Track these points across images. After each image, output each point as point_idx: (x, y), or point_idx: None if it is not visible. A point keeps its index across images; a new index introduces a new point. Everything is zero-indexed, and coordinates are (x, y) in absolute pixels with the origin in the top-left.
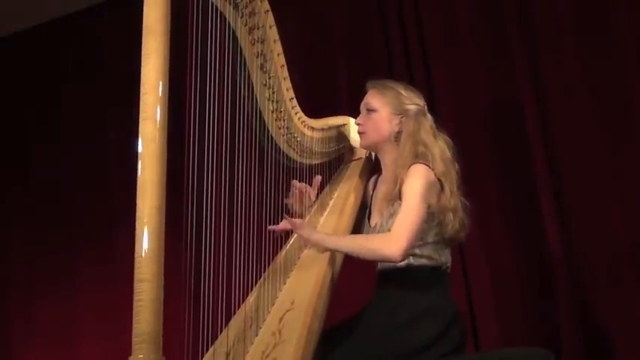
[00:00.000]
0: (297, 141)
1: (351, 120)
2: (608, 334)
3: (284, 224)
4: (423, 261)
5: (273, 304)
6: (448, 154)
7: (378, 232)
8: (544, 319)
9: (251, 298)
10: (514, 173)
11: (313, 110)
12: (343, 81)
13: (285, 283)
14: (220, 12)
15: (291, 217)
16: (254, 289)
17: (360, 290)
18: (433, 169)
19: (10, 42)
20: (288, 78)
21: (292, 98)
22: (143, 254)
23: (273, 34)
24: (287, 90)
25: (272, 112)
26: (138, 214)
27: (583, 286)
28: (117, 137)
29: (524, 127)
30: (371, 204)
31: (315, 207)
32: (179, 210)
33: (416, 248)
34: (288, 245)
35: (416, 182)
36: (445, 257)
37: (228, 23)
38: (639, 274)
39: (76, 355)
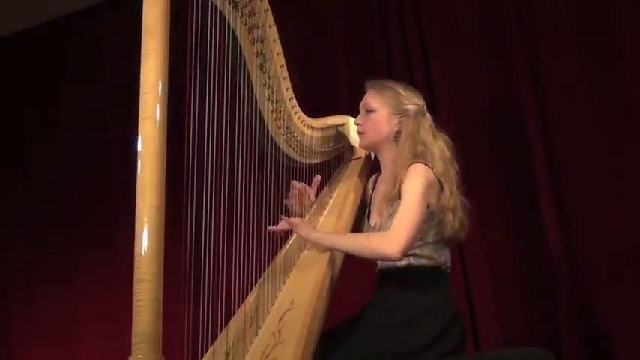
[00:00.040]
0: (297, 140)
1: (351, 119)
2: (608, 334)
3: (283, 224)
4: (423, 261)
5: (273, 304)
6: (447, 153)
7: (378, 231)
8: (544, 319)
9: (251, 298)
10: (514, 173)
11: (313, 110)
12: (343, 81)
13: (284, 283)
14: (220, 11)
15: (291, 217)
16: (254, 288)
17: (360, 290)
18: (433, 169)
19: (10, 42)
20: (288, 77)
21: (292, 98)
22: (142, 254)
23: (272, 33)
24: (286, 89)
25: (271, 111)
26: (137, 213)
27: (583, 286)
28: (117, 137)
29: (524, 127)
30: (370, 203)
31: (315, 207)
32: (179, 210)
33: (416, 248)
34: (288, 245)
35: (415, 182)
36: (445, 257)
37: (228, 23)
38: (639, 274)
39: (76, 355)
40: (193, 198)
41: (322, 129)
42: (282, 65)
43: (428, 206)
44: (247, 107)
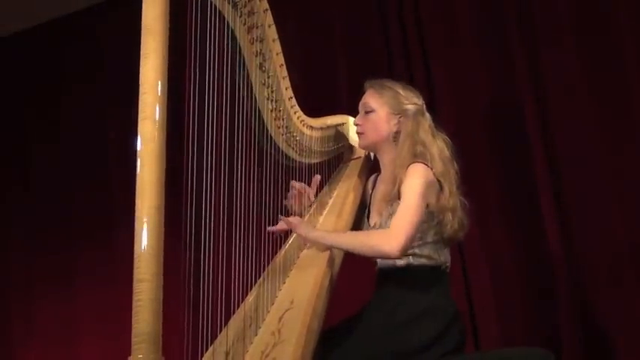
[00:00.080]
0: (297, 140)
1: (350, 119)
2: (608, 334)
3: (282, 224)
4: (423, 260)
5: (273, 304)
6: (447, 153)
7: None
8: (544, 319)
9: (250, 298)
10: (514, 173)
11: (313, 110)
12: (343, 81)
13: (284, 283)
14: (219, 11)
15: (290, 217)
16: (253, 288)
17: (360, 289)
18: (432, 169)
19: (10, 42)
20: (287, 77)
21: (291, 97)
22: (142, 254)
23: (272, 33)
24: (286, 89)
25: (271, 111)
26: (137, 213)
27: (583, 286)
28: (117, 137)
29: (524, 127)
30: (370, 203)
31: (314, 206)
32: (178, 209)
33: (415, 248)
34: (288, 244)
35: (415, 181)
36: (445, 257)
37: (227, 22)
38: (639, 274)
39: (76, 355)
40: (193, 198)
41: (322, 128)
42: (282, 65)
43: (427, 206)
44: (247, 107)
